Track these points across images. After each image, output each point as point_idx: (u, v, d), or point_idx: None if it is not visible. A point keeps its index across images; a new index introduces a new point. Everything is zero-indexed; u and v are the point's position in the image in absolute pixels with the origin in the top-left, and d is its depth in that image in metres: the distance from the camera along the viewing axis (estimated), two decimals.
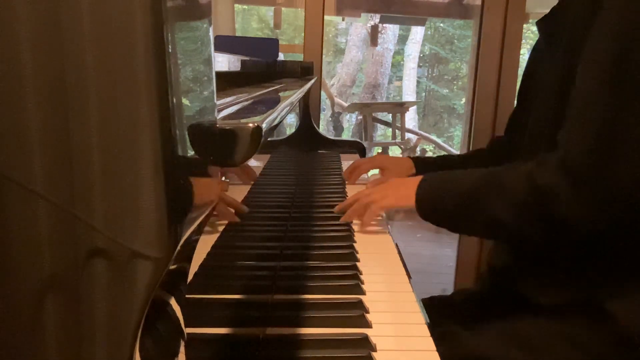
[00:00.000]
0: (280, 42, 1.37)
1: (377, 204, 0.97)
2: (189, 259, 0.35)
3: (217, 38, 1.20)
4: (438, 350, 0.60)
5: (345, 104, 6.58)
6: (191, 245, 0.35)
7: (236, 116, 0.38)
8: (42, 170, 0.24)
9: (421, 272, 2.74)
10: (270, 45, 1.33)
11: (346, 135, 7.63)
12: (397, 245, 0.95)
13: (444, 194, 0.87)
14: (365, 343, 0.60)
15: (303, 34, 1.81)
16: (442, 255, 3.08)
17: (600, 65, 0.71)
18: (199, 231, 0.34)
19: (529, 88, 1.04)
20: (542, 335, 0.79)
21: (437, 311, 0.89)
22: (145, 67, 0.23)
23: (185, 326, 0.32)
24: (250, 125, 0.30)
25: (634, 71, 0.68)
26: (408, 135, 5.48)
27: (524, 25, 2.02)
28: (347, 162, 1.48)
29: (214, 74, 0.32)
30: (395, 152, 5.86)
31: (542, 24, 0.95)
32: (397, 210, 3.51)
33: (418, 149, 5.40)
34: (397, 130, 5.39)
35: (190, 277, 0.36)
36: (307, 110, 1.72)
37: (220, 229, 0.68)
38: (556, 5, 0.91)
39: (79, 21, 0.23)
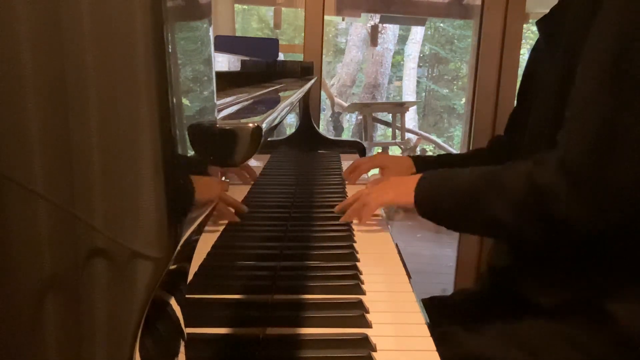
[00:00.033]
0: (280, 42, 1.37)
1: (376, 199, 0.97)
2: (189, 259, 0.35)
3: (217, 38, 1.20)
4: (438, 350, 0.60)
5: (345, 104, 6.58)
6: (191, 245, 0.35)
7: (236, 116, 0.38)
8: (42, 170, 0.24)
9: (421, 272, 2.75)
10: (270, 45, 1.33)
11: (346, 135, 7.63)
12: (397, 245, 0.95)
13: (444, 191, 0.87)
14: (365, 343, 0.60)
15: (303, 34, 1.81)
16: (442, 255, 3.08)
17: (600, 65, 0.71)
18: (199, 231, 0.34)
19: (528, 88, 1.04)
20: (542, 336, 0.79)
21: (437, 311, 0.89)
22: (145, 67, 0.23)
23: (185, 326, 0.32)
24: (250, 125, 0.30)
25: (634, 71, 0.68)
26: (408, 135, 5.48)
27: (524, 25, 2.02)
28: (347, 162, 1.48)
29: (214, 74, 0.32)
30: (395, 152, 5.86)
31: (542, 24, 0.95)
32: (397, 210, 3.51)
33: (418, 149, 5.40)
34: (397, 130, 5.39)
35: (190, 277, 0.36)
36: (307, 110, 1.72)
37: (221, 229, 0.68)
38: (556, 5, 0.91)
39: (79, 21, 0.23)
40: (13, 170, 0.23)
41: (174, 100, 0.25)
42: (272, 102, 0.52)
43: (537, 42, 1.04)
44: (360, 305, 0.68)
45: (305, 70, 1.51)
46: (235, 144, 0.29)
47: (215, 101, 0.32)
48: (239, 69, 0.89)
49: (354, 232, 0.98)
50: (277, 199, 1.15)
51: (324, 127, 6.58)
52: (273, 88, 0.76)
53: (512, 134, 1.08)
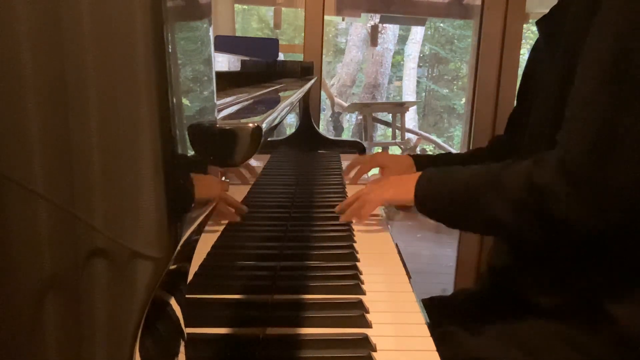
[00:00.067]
0: (280, 42, 1.37)
1: (376, 197, 0.97)
2: (189, 259, 0.35)
3: (217, 38, 1.20)
4: (438, 350, 0.60)
5: (345, 104, 6.58)
6: (191, 245, 0.35)
7: (236, 116, 0.38)
8: (42, 170, 0.24)
9: (421, 272, 2.75)
10: (270, 45, 1.33)
11: (346, 135, 7.63)
12: (397, 245, 0.95)
13: (443, 189, 0.87)
14: (365, 343, 0.59)
15: (303, 34, 1.81)
16: (442, 255, 3.08)
17: (600, 65, 0.71)
18: (199, 231, 0.34)
19: (528, 88, 1.04)
20: (542, 336, 0.79)
21: (437, 311, 0.89)
22: (145, 67, 0.23)
23: (185, 326, 0.32)
24: (250, 125, 0.30)
25: (634, 71, 0.68)
26: (408, 135, 5.48)
27: (524, 25, 2.02)
28: (347, 162, 1.48)
29: (214, 74, 0.32)
30: (395, 152, 5.86)
31: (542, 24, 0.95)
32: (397, 210, 3.51)
33: (418, 149, 5.40)
34: (397, 130, 5.39)
35: (190, 277, 0.36)
36: (307, 110, 1.72)
37: (221, 229, 0.68)
38: (556, 5, 0.91)
39: (79, 21, 0.23)
40: (13, 170, 0.23)
41: (174, 100, 0.25)
42: (272, 102, 0.52)
43: (537, 42, 1.04)
44: (360, 305, 0.68)
45: (305, 70, 1.51)
46: (235, 144, 0.29)
47: (215, 101, 0.32)
48: (239, 69, 0.89)
49: (354, 232, 0.98)
50: (277, 199, 1.15)
51: (324, 127, 6.58)
52: (273, 88, 0.76)
53: (512, 134, 1.08)
